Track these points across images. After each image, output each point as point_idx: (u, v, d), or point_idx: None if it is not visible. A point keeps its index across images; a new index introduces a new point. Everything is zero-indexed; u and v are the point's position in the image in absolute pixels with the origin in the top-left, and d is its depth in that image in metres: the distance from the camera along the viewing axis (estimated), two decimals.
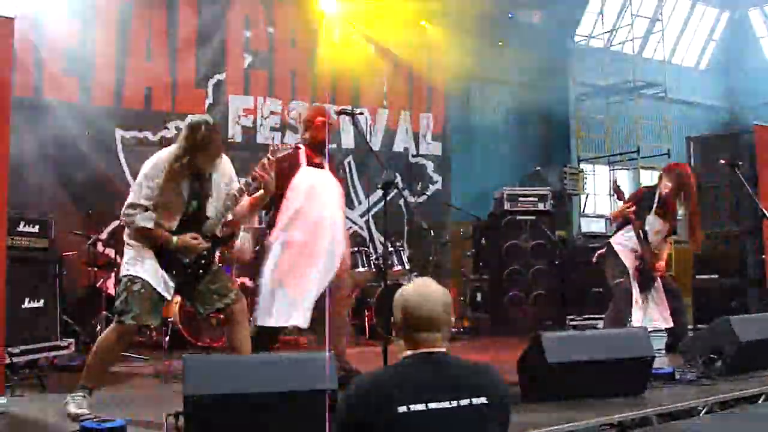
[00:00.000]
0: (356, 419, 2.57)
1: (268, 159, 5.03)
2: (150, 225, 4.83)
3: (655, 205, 7.11)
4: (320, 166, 5.91)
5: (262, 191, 5.16)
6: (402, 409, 2.55)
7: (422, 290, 2.79)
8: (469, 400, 2.65)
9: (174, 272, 4.92)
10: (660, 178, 7.25)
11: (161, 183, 4.83)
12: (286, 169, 5.65)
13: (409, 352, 2.75)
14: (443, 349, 2.76)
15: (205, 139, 4.84)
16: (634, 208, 6.90)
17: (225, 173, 5.16)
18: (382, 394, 2.59)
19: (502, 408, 2.75)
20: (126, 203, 4.88)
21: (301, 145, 5.93)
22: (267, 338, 5.79)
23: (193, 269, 4.99)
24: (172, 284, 4.93)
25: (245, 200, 5.20)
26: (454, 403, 2.62)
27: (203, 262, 5.02)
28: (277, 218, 5.71)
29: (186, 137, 4.85)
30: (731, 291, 8.94)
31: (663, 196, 7.08)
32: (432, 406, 2.58)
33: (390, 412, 2.54)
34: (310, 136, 5.93)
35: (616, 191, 7.02)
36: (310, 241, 5.63)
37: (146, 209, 4.83)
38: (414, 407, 2.56)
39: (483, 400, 2.68)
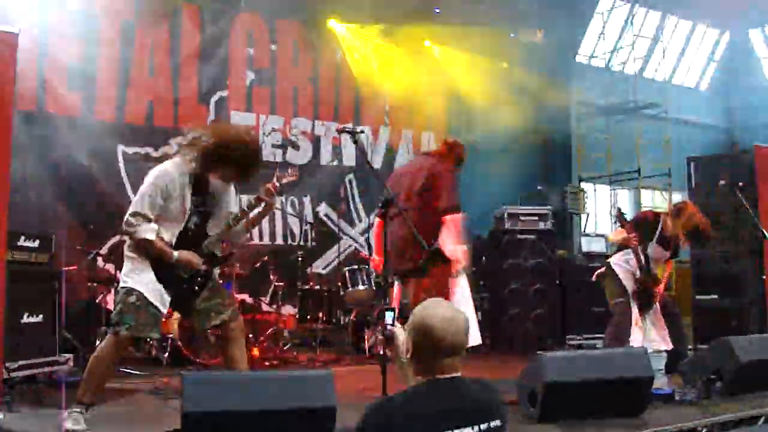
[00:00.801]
0: None
1: (274, 184, 5.04)
2: (152, 237, 4.81)
3: (657, 235, 7.11)
4: None
5: (261, 211, 5.17)
6: None
7: (446, 314, 2.73)
8: (488, 423, 2.64)
9: (170, 287, 4.91)
10: (667, 214, 7.20)
11: (168, 194, 4.84)
12: None
13: (427, 378, 2.71)
14: (460, 374, 2.73)
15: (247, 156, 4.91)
16: (636, 237, 6.89)
17: (229, 193, 5.18)
18: (412, 422, 2.55)
19: (505, 426, 2.75)
20: (129, 212, 4.84)
21: None
22: None
23: (190, 285, 4.98)
24: (168, 298, 4.92)
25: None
26: (476, 428, 2.61)
27: (200, 279, 5.01)
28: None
29: (225, 148, 4.87)
30: (731, 311, 8.91)
31: (669, 234, 7.08)
32: None
33: None
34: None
35: (619, 218, 7.01)
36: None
37: (150, 220, 4.83)
38: None
39: (498, 422, 2.68)
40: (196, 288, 5.00)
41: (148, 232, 4.81)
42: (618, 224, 7.10)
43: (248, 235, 5.43)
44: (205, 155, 4.89)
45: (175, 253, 4.86)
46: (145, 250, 4.86)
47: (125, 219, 4.85)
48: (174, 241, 4.91)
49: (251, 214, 5.16)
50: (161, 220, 4.87)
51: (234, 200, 5.22)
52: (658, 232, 7.11)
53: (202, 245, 4.99)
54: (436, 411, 2.60)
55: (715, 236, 7.04)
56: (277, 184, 5.04)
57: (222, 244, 5.22)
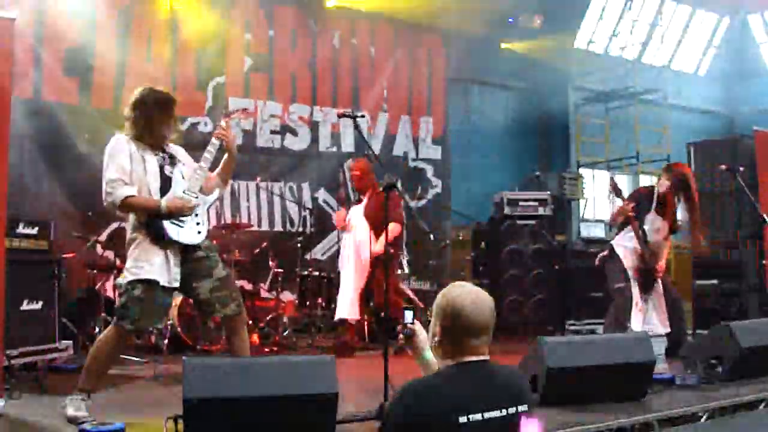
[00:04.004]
0: (415, 429, 2.53)
1: (225, 121, 5.17)
2: (134, 192, 4.81)
3: (654, 204, 7.12)
4: (360, 202, 8.16)
5: (227, 157, 5.24)
6: (463, 419, 2.53)
7: (474, 295, 2.73)
8: (515, 408, 2.65)
9: (174, 240, 4.89)
10: (659, 177, 7.27)
11: (130, 156, 4.86)
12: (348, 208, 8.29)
13: (456, 360, 2.71)
14: (487, 357, 2.73)
15: (159, 101, 4.99)
16: (633, 205, 6.91)
17: (181, 154, 5.24)
18: (443, 404, 2.55)
19: (531, 412, 2.76)
20: (104, 182, 4.84)
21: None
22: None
23: (190, 230, 4.95)
24: (178, 270, 4.90)
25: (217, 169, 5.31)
26: (504, 412, 2.61)
27: (197, 223, 5.01)
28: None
29: (139, 106, 4.96)
30: (731, 296, 8.91)
31: (661, 194, 7.10)
32: (487, 415, 2.57)
33: (451, 422, 2.52)
34: (352, 183, 8.20)
35: (614, 189, 7.03)
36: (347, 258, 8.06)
37: (125, 183, 4.81)
38: (473, 417, 2.54)
39: (524, 407, 2.68)
40: (198, 232, 4.99)
41: (127, 190, 4.80)
42: (613, 195, 7.12)
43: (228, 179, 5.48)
44: (129, 119, 4.99)
45: (163, 202, 4.85)
46: (133, 211, 4.87)
47: (104, 189, 4.83)
48: (157, 195, 4.91)
49: (221, 161, 5.25)
50: (137, 184, 4.87)
51: (187, 156, 5.29)
52: (654, 199, 7.11)
53: (184, 191, 4.98)
54: (465, 394, 2.59)
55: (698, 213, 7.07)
56: (228, 120, 5.19)
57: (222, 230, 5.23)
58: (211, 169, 5.21)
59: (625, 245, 7.09)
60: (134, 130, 4.95)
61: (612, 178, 7.18)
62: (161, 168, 4.99)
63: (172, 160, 5.11)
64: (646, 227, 7.07)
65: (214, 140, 5.10)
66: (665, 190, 7.09)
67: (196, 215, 5.02)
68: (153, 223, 4.84)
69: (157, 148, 5.02)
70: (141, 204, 4.85)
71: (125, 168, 4.84)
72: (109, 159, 4.87)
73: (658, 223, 7.14)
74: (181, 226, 4.91)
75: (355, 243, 8.00)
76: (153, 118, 4.93)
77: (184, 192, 4.98)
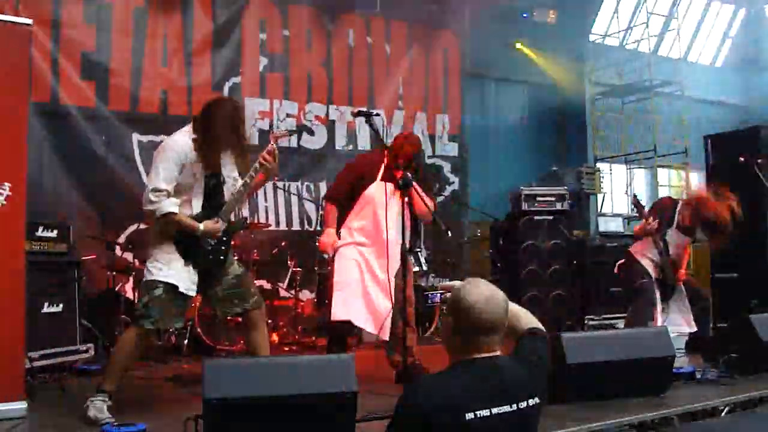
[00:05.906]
0: (422, 426, 2.53)
1: (272, 145, 5.08)
2: (176, 210, 4.81)
3: (675, 224, 7.07)
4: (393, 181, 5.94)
5: (261, 177, 5.18)
6: (470, 415, 2.54)
7: (486, 292, 2.74)
8: (526, 402, 2.67)
9: (197, 261, 4.92)
10: (685, 203, 7.11)
11: (183, 165, 4.83)
12: (362, 179, 6.19)
13: (466, 357, 2.72)
14: (499, 353, 2.74)
15: (234, 117, 4.95)
16: (657, 224, 6.86)
17: (229, 161, 5.17)
18: (451, 401, 2.57)
19: (543, 403, 2.77)
20: (148, 189, 4.81)
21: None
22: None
23: (215, 255, 4.99)
24: (196, 278, 4.93)
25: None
26: (514, 407, 2.63)
27: (223, 248, 5.02)
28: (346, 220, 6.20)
29: (213, 116, 4.91)
30: (751, 289, 8.83)
31: (682, 224, 7.03)
32: (495, 411, 2.58)
33: (458, 419, 2.53)
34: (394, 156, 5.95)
35: (636, 205, 6.98)
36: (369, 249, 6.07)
37: (169, 194, 4.81)
38: (480, 413, 2.56)
39: (536, 400, 2.70)
40: (221, 258, 5.02)
41: (171, 206, 4.79)
42: (635, 210, 7.07)
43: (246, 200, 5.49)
44: (195, 122, 4.96)
45: (200, 226, 4.87)
46: (170, 225, 4.85)
47: (145, 196, 4.83)
48: (197, 210, 4.92)
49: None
50: (181, 192, 4.87)
51: (234, 168, 5.19)
52: (675, 220, 7.07)
53: (219, 213, 5.00)
54: (474, 390, 2.60)
55: (731, 230, 6.92)
56: (275, 145, 5.08)
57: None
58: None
59: (644, 254, 7.06)
60: (196, 138, 4.92)
61: (635, 196, 7.14)
62: (206, 183, 4.99)
63: (217, 178, 5.07)
64: (667, 239, 7.04)
65: (257, 165, 5.03)
66: (693, 228, 7.01)
67: (224, 239, 5.05)
68: (184, 241, 4.89)
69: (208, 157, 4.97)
70: (181, 223, 4.86)
71: (174, 177, 4.81)
72: (161, 162, 4.84)
73: (678, 239, 7.10)
74: (210, 248, 4.97)
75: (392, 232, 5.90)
76: (218, 137, 4.91)
77: (219, 215, 5.00)
